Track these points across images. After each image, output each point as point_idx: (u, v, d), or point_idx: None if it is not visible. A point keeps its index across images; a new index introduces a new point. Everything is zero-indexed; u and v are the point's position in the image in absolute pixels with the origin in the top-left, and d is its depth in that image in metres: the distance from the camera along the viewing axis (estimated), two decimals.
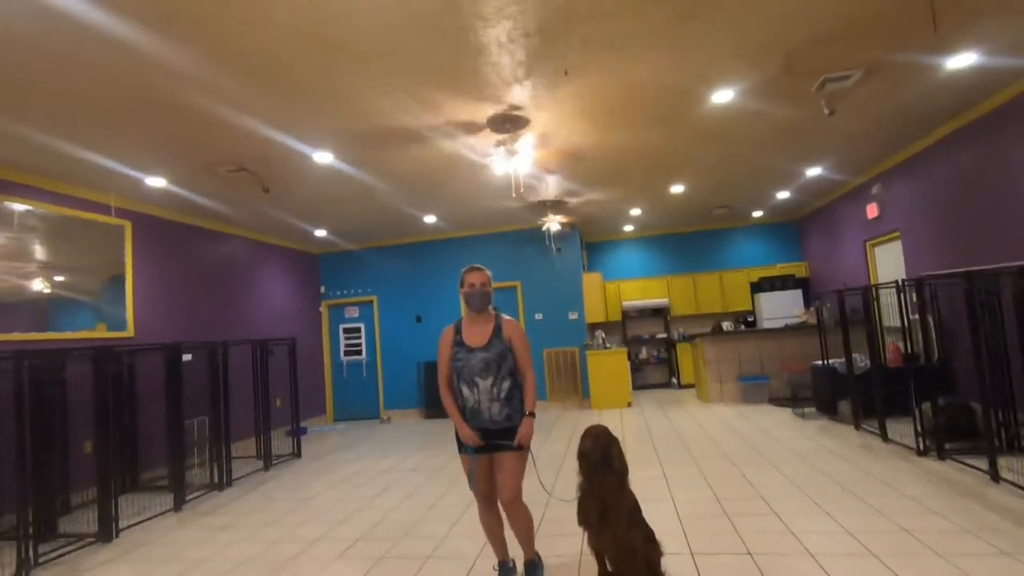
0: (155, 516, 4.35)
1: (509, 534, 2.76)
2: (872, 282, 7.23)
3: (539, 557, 2.80)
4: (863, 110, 4.78)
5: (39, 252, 4.74)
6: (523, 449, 2.58)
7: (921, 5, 3.16)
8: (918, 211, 6.11)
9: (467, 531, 3.52)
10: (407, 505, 4.17)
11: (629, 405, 8.07)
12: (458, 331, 2.73)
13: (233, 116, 3.87)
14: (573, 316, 8.60)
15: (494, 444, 2.58)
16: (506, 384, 2.59)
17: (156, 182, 5.09)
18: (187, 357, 4.89)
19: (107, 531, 3.85)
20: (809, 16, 3.20)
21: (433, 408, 8.60)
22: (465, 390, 2.61)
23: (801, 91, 4.24)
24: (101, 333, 5.20)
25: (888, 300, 5.29)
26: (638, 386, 9.98)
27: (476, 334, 2.69)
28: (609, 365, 8.14)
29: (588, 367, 8.24)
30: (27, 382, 3.50)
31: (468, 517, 3.77)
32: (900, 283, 4.87)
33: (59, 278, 4.88)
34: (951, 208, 5.50)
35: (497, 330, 2.68)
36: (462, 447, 2.63)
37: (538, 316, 8.67)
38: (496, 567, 2.79)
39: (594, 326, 9.46)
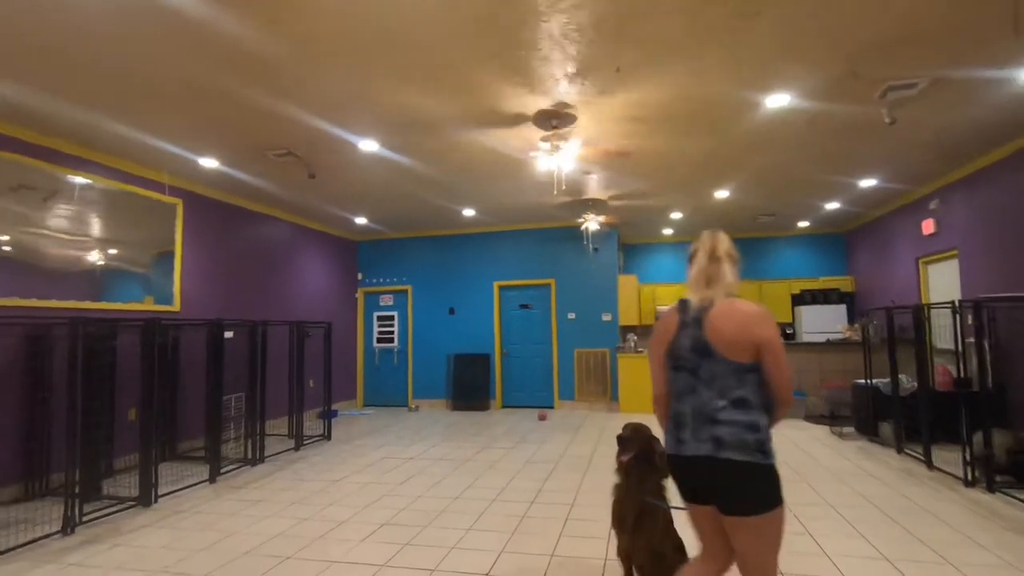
0: (191, 486, 4.51)
1: None
2: (923, 301, 6.93)
3: None
4: (927, 121, 4.57)
5: (96, 225, 4.95)
6: None
7: (1000, 11, 2.99)
8: (979, 229, 5.80)
9: (491, 524, 3.52)
10: (432, 494, 4.21)
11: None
12: None
13: (284, 102, 3.95)
14: (607, 317, 8.52)
15: None
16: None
17: (209, 163, 5.24)
18: (229, 334, 5.04)
19: (147, 496, 4.01)
20: (876, 19, 3.07)
21: (460, 400, 8.66)
22: None
23: (862, 98, 4.07)
24: (149, 306, 5.41)
25: (940, 321, 5.05)
26: None
27: None
28: (640, 369, 8.03)
29: (619, 370, 8.15)
30: (81, 348, 3.66)
31: (493, 511, 3.78)
32: (956, 304, 4.64)
33: (113, 251, 5.09)
34: (1015, 228, 5.21)
35: None
36: None
37: (571, 315, 8.62)
38: None
39: (627, 329, 9.34)
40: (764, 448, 1.66)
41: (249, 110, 4.09)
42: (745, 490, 1.66)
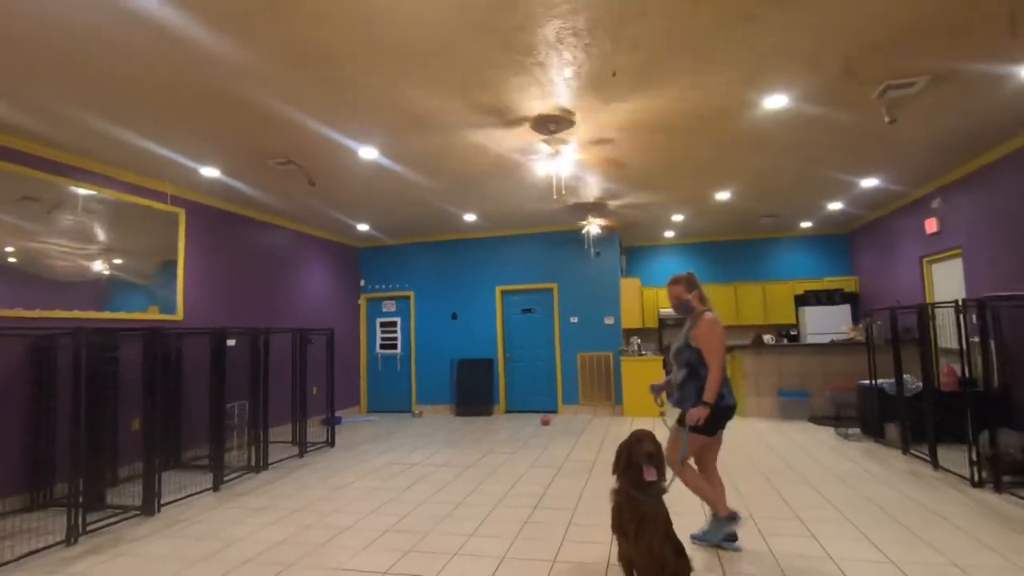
0: (195, 494, 4.51)
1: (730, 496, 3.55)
2: (928, 300, 6.89)
3: (730, 515, 3.11)
4: (927, 119, 4.55)
5: (100, 235, 4.98)
6: (684, 427, 2.98)
7: (998, 8, 2.98)
8: (982, 228, 5.77)
9: (494, 530, 3.51)
10: (435, 500, 4.20)
11: (662, 415, 7.90)
12: None
13: (284, 110, 3.98)
14: (609, 321, 8.50)
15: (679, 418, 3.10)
16: (681, 373, 3.08)
17: (210, 172, 5.28)
18: (231, 342, 5.06)
19: (150, 505, 4.02)
20: (873, 18, 3.06)
21: (464, 406, 8.66)
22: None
23: (861, 98, 4.07)
24: (153, 315, 5.43)
25: (945, 320, 5.01)
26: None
27: (685, 328, 3.22)
28: (643, 372, 8.00)
29: (622, 373, 8.13)
30: (84, 358, 3.68)
31: (495, 516, 3.77)
32: (960, 303, 4.61)
33: (117, 261, 5.12)
34: (1019, 225, 5.18)
35: (689, 328, 3.13)
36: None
37: (573, 319, 8.61)
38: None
39: (630, 332, 9.32)
40: None
41: (250, 119, 4.12)
42: None
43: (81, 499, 3.56)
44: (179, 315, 5.73)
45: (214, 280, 6.26)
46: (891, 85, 3.84)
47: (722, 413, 2.98)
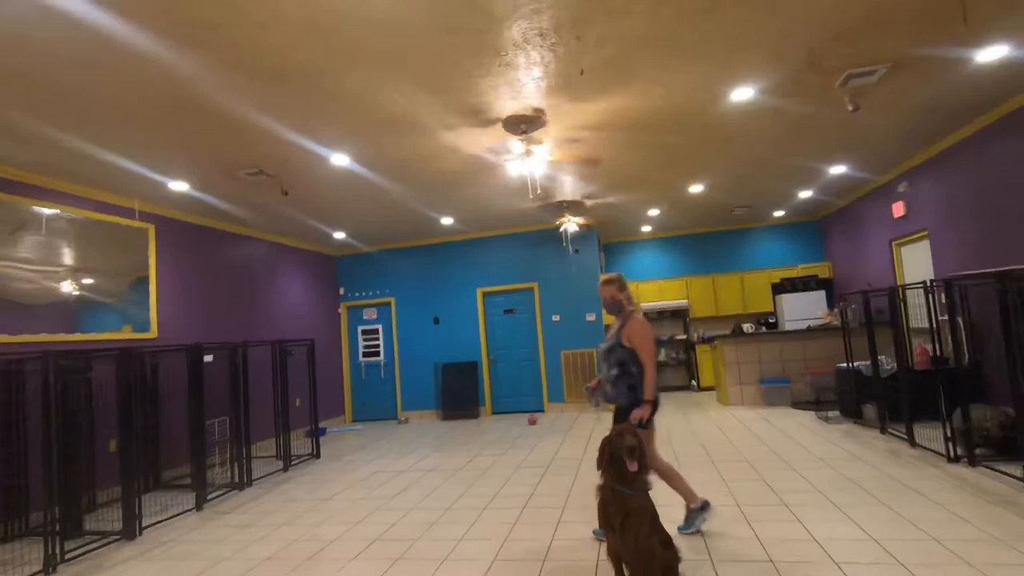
0: (177, 515, 4.42)
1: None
2: (899, 282, 7.05)
3: (701, 505, 3.23)
4: (889, 106, 4.66)
5: (67, 255, 4.86)
6: (641, 427, 3.02)
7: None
8: (947, 210, 5.93)
9: (484, 533, 3.50)
10: (424, 506, 4.17)
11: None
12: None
13: (252, 119, 3.92)
14: (591, 318, 8.55)
15: (615, 416, 3.20)
16: (613, 371, 3.17)
17: (179, 186, 5.18)
18: (208, 358, 4.97)
19: (131, 529, 3.92)
20: (833, 9, 3.13)
21: (450, 409, 8.63)
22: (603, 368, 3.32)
23: (824, 87, 4.15)
24: (127, 334, 5.31)
25: (916, 301, 5.14)
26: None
27: (613, 328, 3.35)
28: None
29: None
30: (55, 382, 3.58)
31: (485, 519, 3.76)
32: (928, 283, 4.73)
33: (86, 281, 5.00)
34: (982, 206, 5.33)
35: (620, 328, 3.24)
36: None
37: (555, 318, 8.63)
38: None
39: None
40: None
41: (217, 130, 4.05)
42: None
43: (58, 527, 3.46)
44: (153, 333, 5.61)
45: (188, 295, 6.15)
46: (852, 74, 3.93)
47: (655, 407, 3.13)
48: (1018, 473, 3.55)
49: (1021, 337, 3.73)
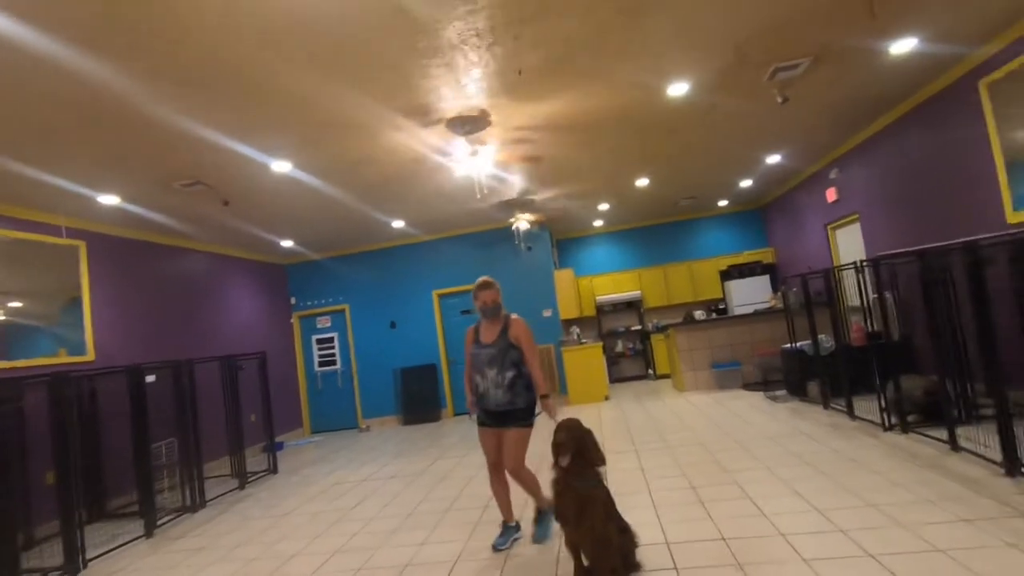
0: (125, 543, 4.22)
1: (515, 499, 3.40)
2: (834, 264, 7.42)
3: (550, 506, 3.08)
4: (815, 97, 4.90)
5: None
6: (528, 428, 3.13)
7: None
8: (874, 193, 6.28)
9: (446, 536, 3.50)
10: (385, 514, 4.13)
11: (607, 398, 8.14)
12: (477, 331, 3.33)
13: (182, 127, 3.78)
14: (547, 313, 8.63)
15: (499, 422, 3.13)
16: (509, 373, 3.09)
17: (109, 200, 4.93)
18: (150, 378, 4.76)
19: (73, 563, 3.72)
20: (754, 5, 3.26)
21: (411, 414, 8.55)
22: (477, 378, 3.18)
23: (754, 81, 4.33)
24: (62, 359, 5.02)
25: (850, 281, 5.42)
26: (615, 379, 10.06)
27: (489, 333, 3.24)
28: (585, 360, 8.19)
29: (564, 363, 8.27)
30: None
31: (447, 521, 3.76)
32: (859, 264, 5.00)
33: (14, 304, 4.70)
34: (904, 189, 5.68)
35: (504, 330, 3.19)
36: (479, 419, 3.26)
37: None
38: (501, 525, 3.28)
39: (569, 322, 9.50)
40: None
41: (147, 140, 3.88)
42: None
43: None
44: (90, 355, 5.33)
45: (127, 314, 5.86)
46: (779, 67, 4.11)
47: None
48: (943, 437, 3.81)
49: (942, 310, 4.00)
